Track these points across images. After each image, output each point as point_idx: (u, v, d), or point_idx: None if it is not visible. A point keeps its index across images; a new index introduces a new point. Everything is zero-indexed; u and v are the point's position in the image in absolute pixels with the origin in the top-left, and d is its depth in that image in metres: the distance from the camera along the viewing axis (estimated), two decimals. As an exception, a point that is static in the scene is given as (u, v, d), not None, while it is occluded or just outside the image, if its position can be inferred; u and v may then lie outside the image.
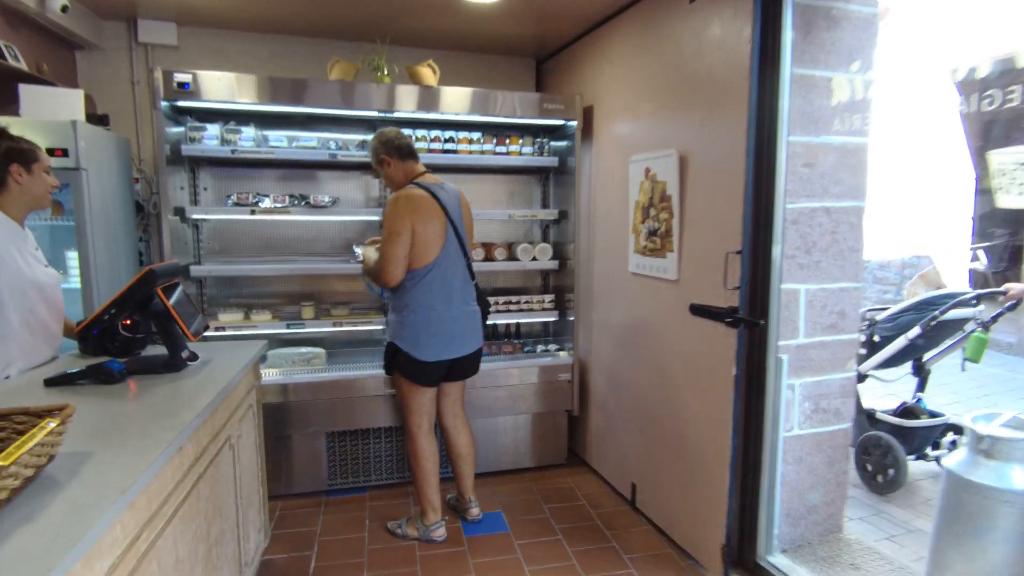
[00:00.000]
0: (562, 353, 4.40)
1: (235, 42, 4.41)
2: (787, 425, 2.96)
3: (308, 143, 4.02)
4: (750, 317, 2.80)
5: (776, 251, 2.82)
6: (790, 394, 2.94)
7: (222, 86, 3.56)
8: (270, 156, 3.88)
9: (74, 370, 2.13)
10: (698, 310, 2.94)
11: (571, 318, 4.36)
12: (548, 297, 4.49)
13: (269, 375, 3.86)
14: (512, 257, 4.44)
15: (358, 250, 4.09)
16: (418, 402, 3.23)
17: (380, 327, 4.20)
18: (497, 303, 4.34)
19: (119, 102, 4.27)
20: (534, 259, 4.37)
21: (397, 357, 3.15)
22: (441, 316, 3.11)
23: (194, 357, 2.47)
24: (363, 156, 3.99)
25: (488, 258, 4.33)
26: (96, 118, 3.71)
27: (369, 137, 4.17)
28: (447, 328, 3.13)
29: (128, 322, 2.37)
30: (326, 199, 4.10)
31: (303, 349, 4.16)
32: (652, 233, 3.44)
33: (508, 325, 4.57)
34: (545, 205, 4.81)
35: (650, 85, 3.46)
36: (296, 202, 4.03)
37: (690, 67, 3.08)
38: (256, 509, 2.81)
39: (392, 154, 3.17)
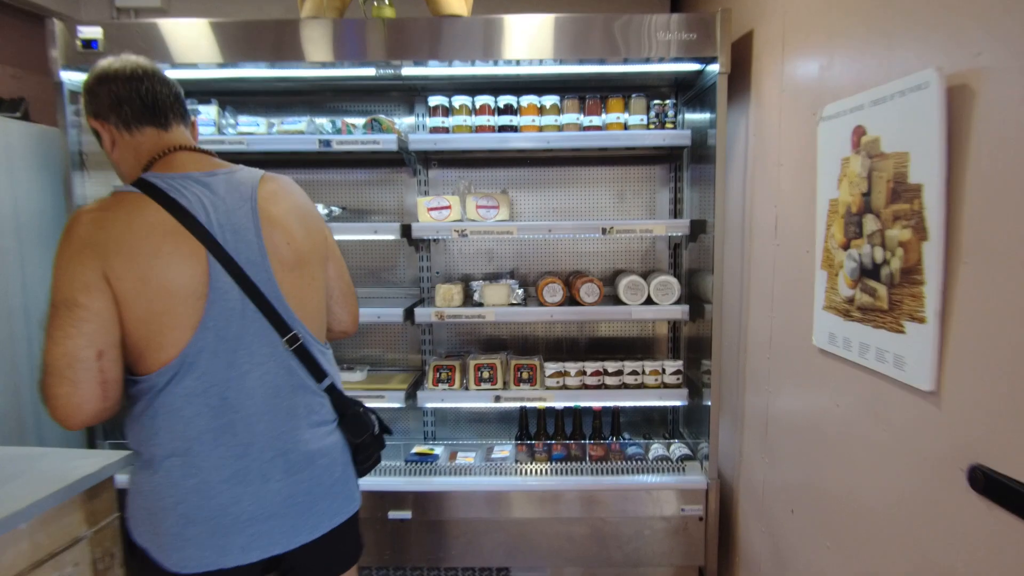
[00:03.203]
0: (691, 467, 2.59)
1: (233, 3, 3.22)
2: None
3: (294, 126, 2.67)
4: None
5: None
6: None
7: (152, 41, 2.33)
8: (239, 147, 2.59)
9: None
10: (1001, 491, 1.06)
11: (707, 403, 2.54)
12: (671, 366, 2.70)
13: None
14: (611, 298, 2.74)
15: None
16: None
17: (397, 403, 2.72)
18: (578, 376, 2.65)
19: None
20: (648, 301, 2.62)
21: (141, 564, 1.44)
22: (208, 477, 1.38)
23: None
24: (372, 145, 2.56)
25: (571, 299, 2.67)
26: (10, 104, 2.67)
27: (381, 114, 2.73)
28: (222, 501, 1.38)
29: None
30: (323, 211, 2.73)
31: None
32: (868, 272, 1.56)
33: (598, 412, 2.81)
34: (677, 213, 3.01)
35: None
36: (275, 214, 2.70)
37: None
38: None
39: (105, 115, 1.42)
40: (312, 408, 1.49)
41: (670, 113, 2.62)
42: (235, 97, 2.92)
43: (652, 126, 2.62)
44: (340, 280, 1.67)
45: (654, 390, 2.67)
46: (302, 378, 1.47)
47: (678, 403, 2.70)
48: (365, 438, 1.60)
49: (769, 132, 2.19)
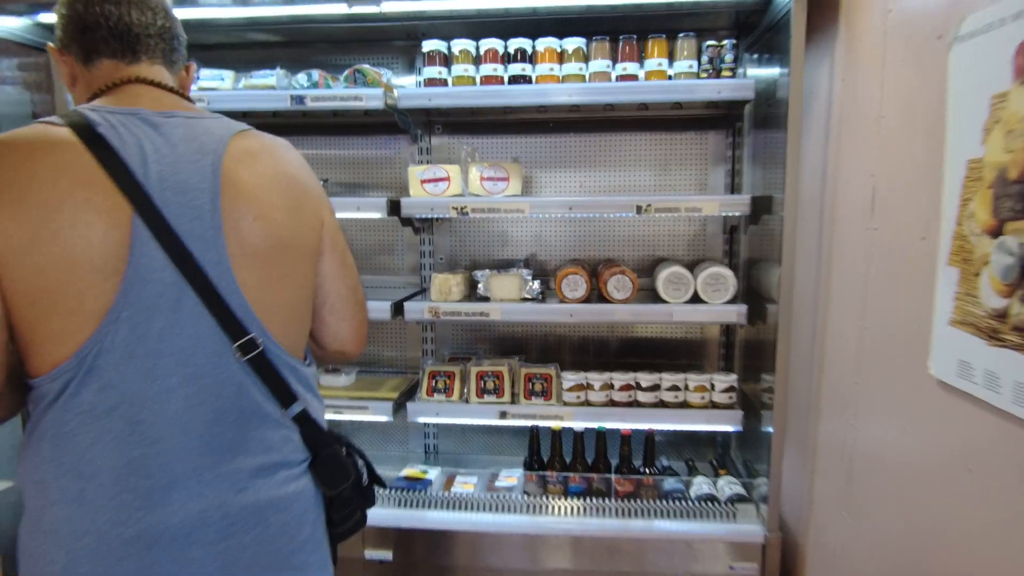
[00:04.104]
0: (744, 512, 2.04)
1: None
2: None
3: (263, 80, 2.22)
4: None
5: None
6: None
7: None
8: (198, 106, 2.15)
9: None
10: None
11: (767, 429, 1.97)
12: (722, 381, 2.14)
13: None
14: (647, 292, 2.20)
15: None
16: None
17: (383, 416, 2.26)
18: (603, 391, 2.13)
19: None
20: (694, 298, 2.07)
21: None
22: (106, 537, 0.96)
23: None
24: (354, 102, 2.09)
25: (598, 294, 2.14)
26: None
27: (364, 63, 2.25)
28: (123, 571, 0.96)
29: None
30: (304, 181, 2.27)
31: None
32: (1041, 271, 0.99)
33: (626, 436, 2.25)
34: (734, 188, 2.42)
35: None
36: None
37: None
38: None
39: (67, 44, 1.09)
40: (269, 444, 1.07)
41: (727, 58, 2.03)
42: (206, 52, 2.49)
43: (704, 75, 2.04)
44: (340, 282, 1.21)
45: (700, 411, 2.12)
46: (257, 401, 1.05)
47: (729, 429, 2.14)
48: (343, 489, 1.16)
49: (866, 73, 1.59)
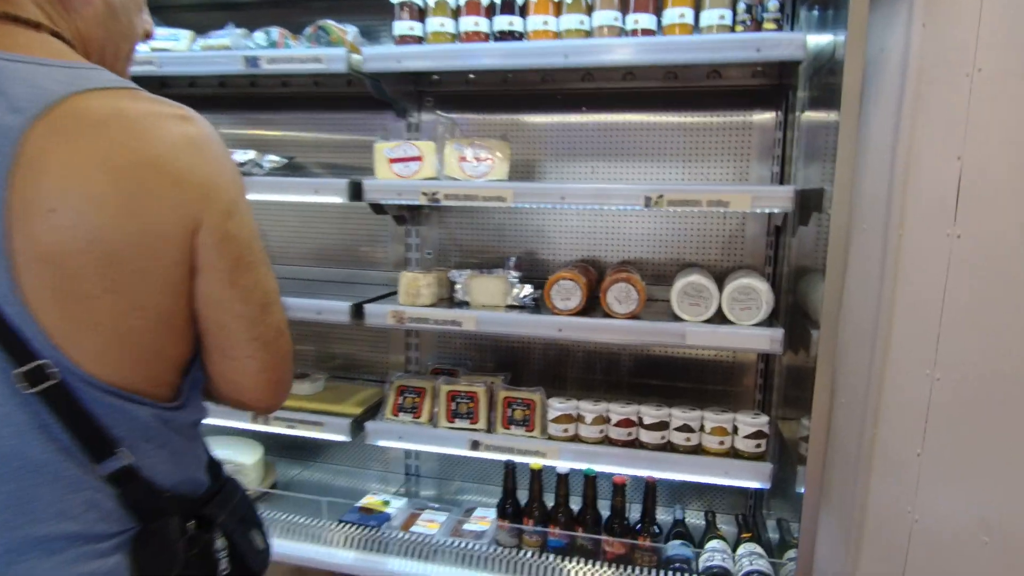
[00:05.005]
0: (767, 592, 1.59)
1: None
2: None
3: (219, 40, 1.93)
4: None
5: None
6: None
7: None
8: (148, 69, 1.91)
9: None
10: None
11: (801, 491, 1.51)
12: (749, 423, 1.68)
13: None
14: (664, 304, 1.78)
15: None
16: None
17: (340, 435, 1.93)
18: (597, 424, 1.71)
19: None
20: (717, 317, 1.63)
21: None
22: None
23: None
24: (314, 64, 1.77)
25: (599, 306, 1.74)
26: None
27: (329, 19, 1.92)
28: None
29: None
30: (267, 161, 1.98)
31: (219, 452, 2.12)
32: None
33: (620, 485, 1.80)
34: (781, 177, 1.94)
35: None
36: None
37: None
38: None
39: None
40: (63, 509, 0.77)
41: (771, 5, 1.56)
42: (167, 12, 2.21)
43: (740, 28, 1.58)
44: (227, 310, 0.85)
45: (717, 459, 1.68)
46: (50, 449, 0.75)
47: (755, 485, 1.67)
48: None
49: (957, 12, 1.12)
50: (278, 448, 2.36)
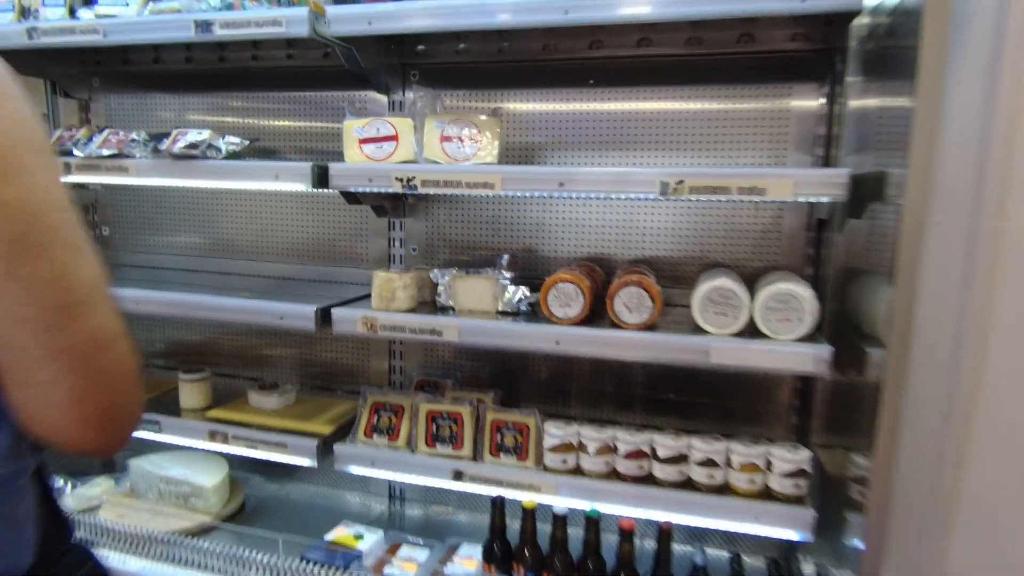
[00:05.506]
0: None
1: None
2: None
3: (168, 3, 1.67)
4: None
5: None
6: None
7: None
8: (93, 38, 1.66)
9: None
10: None
11: (857, 544, 1.21)
12: (786, 459, 1.38)
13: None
14: (685, 311, 1.48)
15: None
16: None
17: (306, 459, 1.67)
18: (602, 455, 1.43)
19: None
20: (748, 329, 1.33)
21: None
22: None
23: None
24: (272, 28, 1.51)
25: (606, 313, 1.45)
26: None
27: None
28: None
29: None
30: (224, 143, 1.71)
31: (176, 472, 1.88)
32: None
33: (628, 531, 1.48)
34: (825, 162, 1.63)
35: None
36: (140, 145, 1.72)
37: None
38: None
39: None
40: None
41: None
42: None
43: (781, -23, 1.28)
44: (27, 306, 0.58)
45: (747, 501, 1.38)
46: None
47: (793, 536, 1.38)
48: None
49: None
50: (251, 463, 2.10)
